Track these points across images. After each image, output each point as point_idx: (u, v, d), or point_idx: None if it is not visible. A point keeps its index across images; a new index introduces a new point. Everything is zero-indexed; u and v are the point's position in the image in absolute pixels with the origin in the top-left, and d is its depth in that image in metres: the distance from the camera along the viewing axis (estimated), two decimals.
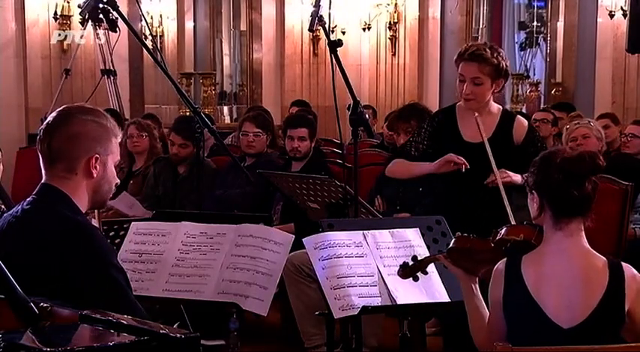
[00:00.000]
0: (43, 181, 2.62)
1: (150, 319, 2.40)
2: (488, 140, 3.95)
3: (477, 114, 3.90)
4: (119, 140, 2.69)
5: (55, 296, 2.25)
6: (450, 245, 2.83)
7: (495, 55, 3.92)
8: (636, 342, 2.54)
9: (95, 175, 2.59)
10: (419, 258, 2.93)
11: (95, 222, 3.63)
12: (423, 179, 4.92)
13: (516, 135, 4.02)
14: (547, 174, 2.62)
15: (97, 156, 2.58)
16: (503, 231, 2.75)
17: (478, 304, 2.78)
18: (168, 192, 5.88)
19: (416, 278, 2.95)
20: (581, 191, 2.59)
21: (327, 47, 3.71)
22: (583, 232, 2.64)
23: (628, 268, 2.62)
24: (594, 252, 2.64)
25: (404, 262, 2.94)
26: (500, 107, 4.16)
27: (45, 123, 2.60)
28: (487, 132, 3.99)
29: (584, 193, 2.60)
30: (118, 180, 2.75)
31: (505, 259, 2.66)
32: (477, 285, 2.81)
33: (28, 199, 2.62)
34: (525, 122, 4.12)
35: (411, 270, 2.92)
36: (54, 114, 2.62)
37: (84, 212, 2.64)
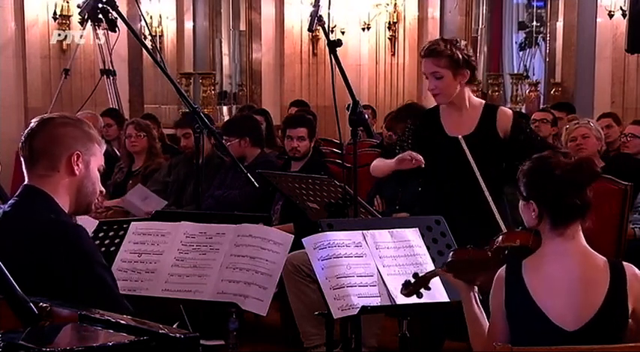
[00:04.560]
0: (25, 183, 2.64)
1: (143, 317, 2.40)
2: (470, 136, 4.01)
3: None
4: (103, 149, 2.74)
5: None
6: (449, 258, 2.84)
7: (449, 46, 3.95)
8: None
9: (77, 173, 2.62)
10: (420, 275, 2.92)
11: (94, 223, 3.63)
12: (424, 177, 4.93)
13: (501, 128, 4.01)
14: (546, 186, 2.61)
15: (79, 153, 2.62)
16: (499, 238, 2.75)
17: (478, 313, 2.78)
18: (179, 179, 5.94)
19: (420, 295, 2.93)
20: (582, 199, 2.60)
21: (327, 47, 3.70)
22: (581, 233, 2.64)
23: (629, 267, 2.62)
24: (594, 252, 2.64)
25: (406, 281, 2.93)
26: (483, 101, 4.18)
27: (26, 130, 2.66)
28: (469, 127, 4.03)
29: (585, 201, 2.61)
30: (103, 189, 2.78)
31: (505, 266, 2.66)
32: (477, 294, 2.81)
33: (9, 201, 2.63)
34: (509, 112, 4.11)
35: (414, 287, 2.91)
36: (35, 119, 2.68)
37: (67, 213, 2.64)
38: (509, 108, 4.37)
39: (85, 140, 2.65)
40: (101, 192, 2.75)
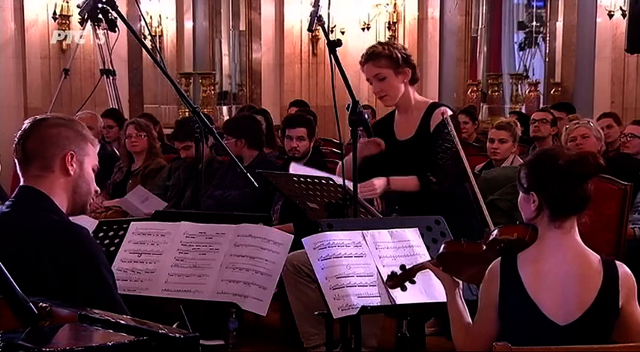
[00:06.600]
0: (20, 184, 2.63)
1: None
2: (410, 139, 4.09)
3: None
4: (97, 149, 2.74)
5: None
6: (440, 250, 2.85)
7: (387, 47, 4.07)
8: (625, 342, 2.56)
9: (72, 173, 2.61)
10: (407, 267, 2.94)
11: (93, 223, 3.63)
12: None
13: (433, 125, 4.06)
14: (549, 176, 2.62)
15: (72, 153, 2.61)
16: (495, 231, 2.76)
17: (462, 309, 2.79)
18: (179, 183, 5.94)
19: (404, 288, 2.96)
20: (583, 192, 2.61)
21: (327, 47, 3.71)
22: (577, 229, 2.65)
23: (621, 266, 2.64)
24: (588, 249, 2.66)
25: (392, 272, 2.96)
26: (429, 101, 4.21)
27: (19, 130, 2.65)
28: (412, 130, 4.11)
29: (586, 194, 2.62)
30: (98, 189, 2.77)
31: (500, 258, 2.66)
32: (461, 292, 2.82)
33: (6, 202, 2.62)
34: (444, 113, 4.04)
35: (399, 280, 2.94)
36: (28, 121, 2.67)
37: (65, 213, 2.63)
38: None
39: (79, 140, 2.64)
40: (96, 191, 2.74)
